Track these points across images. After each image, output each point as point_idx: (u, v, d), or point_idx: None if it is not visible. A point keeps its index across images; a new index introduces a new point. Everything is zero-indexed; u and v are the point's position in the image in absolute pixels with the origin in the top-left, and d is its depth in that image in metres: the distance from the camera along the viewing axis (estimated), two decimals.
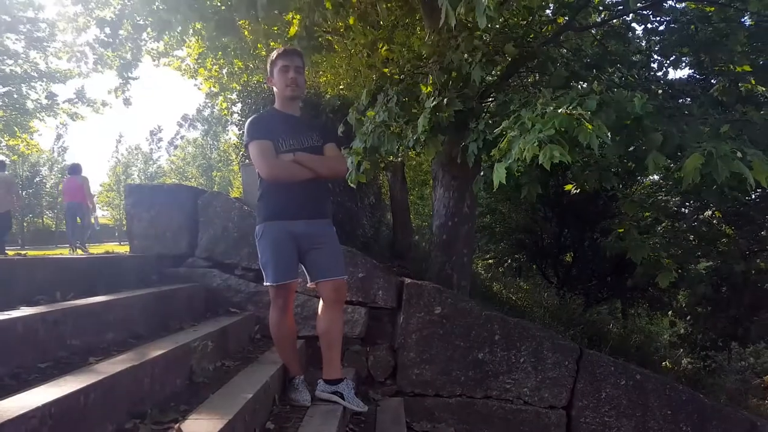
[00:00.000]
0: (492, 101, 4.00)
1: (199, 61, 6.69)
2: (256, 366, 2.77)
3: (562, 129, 2.38)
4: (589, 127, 2.38)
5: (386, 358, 3.48)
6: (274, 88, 2.70)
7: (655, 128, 2.81)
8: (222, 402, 2.05)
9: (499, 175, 2.62)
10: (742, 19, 4.73)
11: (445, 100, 3.21)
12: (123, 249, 6.63)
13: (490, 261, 10.20)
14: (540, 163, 2.35)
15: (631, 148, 3.07)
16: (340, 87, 4.51)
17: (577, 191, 7.39)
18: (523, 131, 2.53)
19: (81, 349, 2.05)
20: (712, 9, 4.70)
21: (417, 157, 6.82)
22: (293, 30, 4.07)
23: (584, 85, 4.04)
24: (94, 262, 2.98)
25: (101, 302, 2.37)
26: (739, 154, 2.51)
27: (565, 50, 4.85)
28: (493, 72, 5.10)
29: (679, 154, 2.94)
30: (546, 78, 4.26)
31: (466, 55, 3.28)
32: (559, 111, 2.45)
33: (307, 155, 2.59)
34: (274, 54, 2.73)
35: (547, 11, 5.07)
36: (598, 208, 7.67)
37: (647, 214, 6.20)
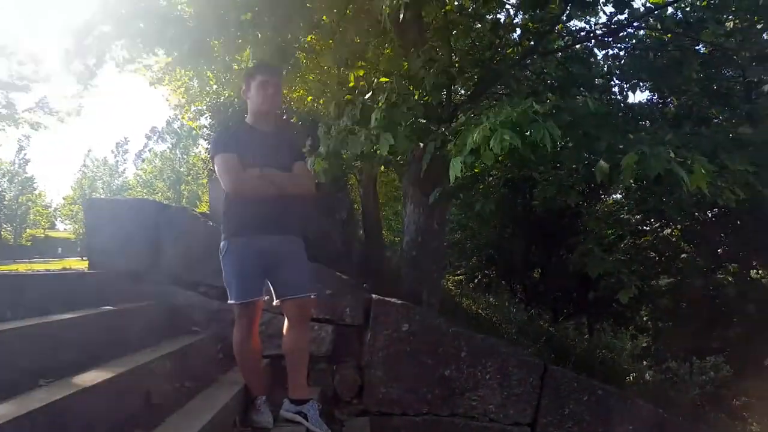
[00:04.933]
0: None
1: (168, 69, 6.58)
2: (217, 387, 2.71)
3: (513, 120, 2.46)
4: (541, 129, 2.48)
5: (353, 377, 3.44)
6: (249, 102, 2.68)
7: (598, 137, 2.95)
8: (179, 424, 2.01)
9: (455, 169, 2.68)
10: (696, 47, 4.97)
11: (402, 99, 3.25)
12: (83, 265, 6.43)
13: (460, 277, 10.28)
14: (497, 154, 2.42)
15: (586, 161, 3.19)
16: (311, 102, 4.52)
17: (544, 209, 7.58)
18: (477, 123, 2.61)
19: (32, 371, 1.97)
20: (669, 36, 4.92)
21: (389, 172, 6.86)
22: (264, 47, 4.07)
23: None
24: (49, 279, 2.89)
25: (55, 321, 2.29)
26: (678, 158, 2.65)
27: (529, 72, 4.99)
28: (461, 92, 5.21)
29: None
30: (509, 96, 4.38)
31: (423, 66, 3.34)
32: (513, 108, 2.55)
33: (274, 171, 2.57)
34: (253, 67, 2.72)
35: (514, 35, 5.22)
36: (564, 225, 7.84)
37: (610, 231, 6.37)
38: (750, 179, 3.96)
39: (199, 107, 8.19)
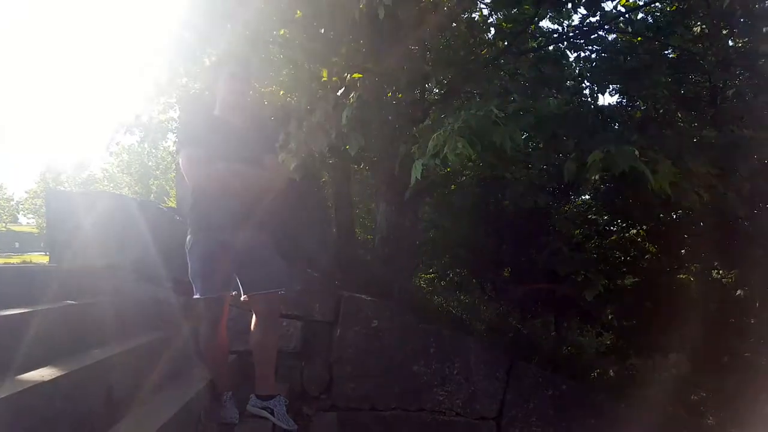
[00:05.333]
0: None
1: None
2: (182, 382, 2.68)
3: (472, 126, 2.49)
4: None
5: (321, 373, 3.44)
6: (218, 94, 2.63)
7: (566, 137, 3.01)
8: (142, 420, 1.98)
9: (416, 170, 2.71)
10: (665, 52, 5.11)
11: (374, 96, 3.26)
12: (46, 260, 6.25)
13: (432, 275, 10.33)
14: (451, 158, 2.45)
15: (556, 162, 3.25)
16: (283, 96, 4.47)
17: (515, 209, 7.67)
18: (440, 127, 2.64)
19: None
20: (639, 40, 5.04)
21: (362, 170, 6.86)
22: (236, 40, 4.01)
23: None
24: (8, 272, 2.80)
25: (14, 315, 2.22)
26: (643, 158, 2.73)
27: (502, 73, 5.05)
28: (435, 91, 5.24)
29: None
30: (482, 96, 4.43)
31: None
32: (475, 112, 2.58)
33: (242, 167, 2.53)
34: (222, 60, 2.69)
35: (488, 35, 5.27)
36: (534, 225, 7.95)
37: (578, 231, 6.51)
38: (713, 182, 4.11)
39: (169, 100, 8.02)
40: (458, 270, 9.55)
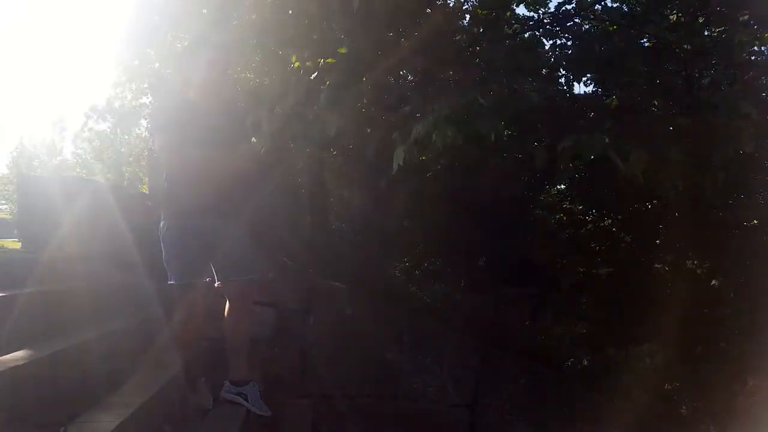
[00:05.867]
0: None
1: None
2: (154, 368, 2.61)
3: (457, 114, 2.48)
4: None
5: (296, 360, 3.41)
6: (195, 78, 2.53)
7: (541, 126, 3.01)
8: (113, 406, 1.93)
9: (397, 157, 2.68)
10: (641, 41, 5.13)
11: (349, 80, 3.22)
12: (18, 245, 6.08)
13: (408, 264, 10.34)
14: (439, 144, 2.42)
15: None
16: (254, 81, 4.38)
17: (491, 198, 7.69)
18: (423, 114, 2.61)
19: None
20: (615, 28, 5.05)
21: (336, 157, 6.79)
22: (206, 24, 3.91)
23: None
24: None
25: None
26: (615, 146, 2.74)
27: (478, 60, 5.02)
28: (410, 78, 5.19)
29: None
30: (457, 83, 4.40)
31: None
32: (460, 101, 2.56)
33: (215, 153, 2.47)
34: (201, 44, 2.62)
35: (463, 22, 5.23)
36: (510, 214, 8.00)
37: (553, 220, 6.57)
38: (689, 171, 4.14)
39: (141, 86, 7.82)
40: (434, 259, 9.57)
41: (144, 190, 6.59)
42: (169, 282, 2.49)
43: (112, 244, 3.40)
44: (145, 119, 7.84)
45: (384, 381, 3.34)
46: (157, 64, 6.87)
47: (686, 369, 4.92)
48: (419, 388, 3.35)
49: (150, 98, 7.23)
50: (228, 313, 2.61)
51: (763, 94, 5.39)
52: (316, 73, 3.18)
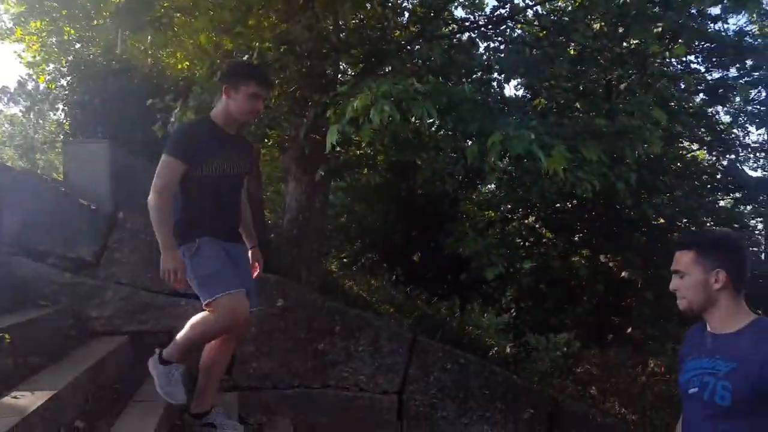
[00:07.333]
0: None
1: (20, 21, 5.76)
2: (66, 362, 2.48)
3: (393, 94, 2.52)
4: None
5: None
6: (229, 102, 2.35)
7: (472, 120, 3.14)
8: (20, 400, 1.81)
9: (331, 135, 2.69)
10: (568, 47, 5.41)
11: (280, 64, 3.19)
12: None
13: (344, 260, 10.36)
14: (374, 120, 2.45)
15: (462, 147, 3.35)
16: (184, 64, 4.22)
17: (426, 195, 7.86)
18: (358, 92, 2.64)
19: None
20: (545, 33, 5.31)
21: (271, 150, 6.69)
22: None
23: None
24: None
25: None
26: (540, 143, 2.89)
27: (415, 59, 5.11)
28: (348, 71, 5.21)
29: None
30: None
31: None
32: (395, 83, 2.61)
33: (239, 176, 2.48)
34: (248, 71, 2.49)
35: (401, 18, 5.31)
36: (442, 211, 8.21)
37: (482, 217, 6.82)
38: (605, 171, 4.43)
39: (59, 66, 7.31)
40: (369, 255, 9.65)
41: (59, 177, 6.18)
42: (215, 296, 2.26)
43: (20, 231, 3.19)
44: (62, 101, 7.34)
45: (314, 371, 3.34)
46: (77, 45, 6.47)
47: (597, 354, 5.28)
48: (350, 376, 3.37)
49: (69, 80, 6.77)
50: (216, 342, 2.48)
51: (672, 103, 5.87)
52: (247, 57, 3.12)
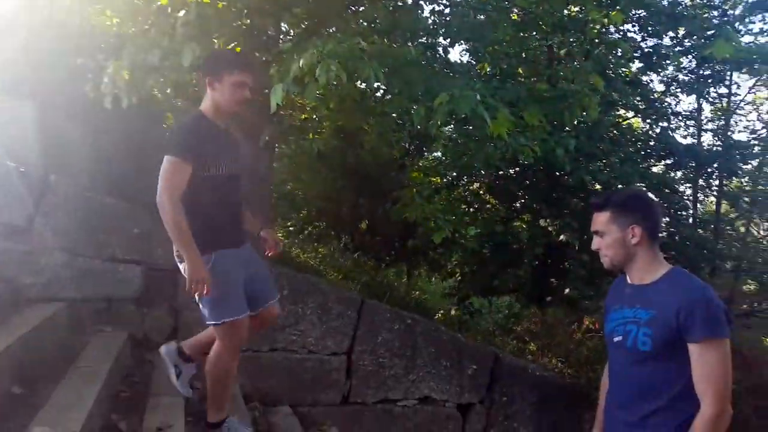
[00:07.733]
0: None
1: None
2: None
3: (339, 54, 2.48)
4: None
5: (166, 319, 3.27)
6: (214, 94, 2.19)
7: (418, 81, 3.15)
8: None
9: (276, 96, 2.62)
10: (511, 13, 5.45)
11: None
12: None
13: (291, 228, 10.26)
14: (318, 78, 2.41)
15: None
16: (115, 24, 3.96)
17: (373, 162, 7.85)
18: (304, 50, 2.58)
19: None
20: None
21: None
22: None
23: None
24: None
25: None
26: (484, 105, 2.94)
27: (360, 21, 5.02)
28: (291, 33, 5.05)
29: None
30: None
31: None
32: (341, 43, 2.57)
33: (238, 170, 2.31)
34: (230, 58, 2.31)
35: None
36: (390, 178, 8.25)
37: (429, 181, 6.92)
38: (546, 137, 4.56)
39: None
40: (317, 223, 9.60)
41: None
42: (223, 319, 2.17)
43: None
44: None
45: (262, 335, 3.33)
46: None
47: (536, 313, 5.54)
48: (298, 339, 3.39)
49: None
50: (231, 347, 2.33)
51: (608, 71, 6.08)
52: (183, 12, 2.96)
